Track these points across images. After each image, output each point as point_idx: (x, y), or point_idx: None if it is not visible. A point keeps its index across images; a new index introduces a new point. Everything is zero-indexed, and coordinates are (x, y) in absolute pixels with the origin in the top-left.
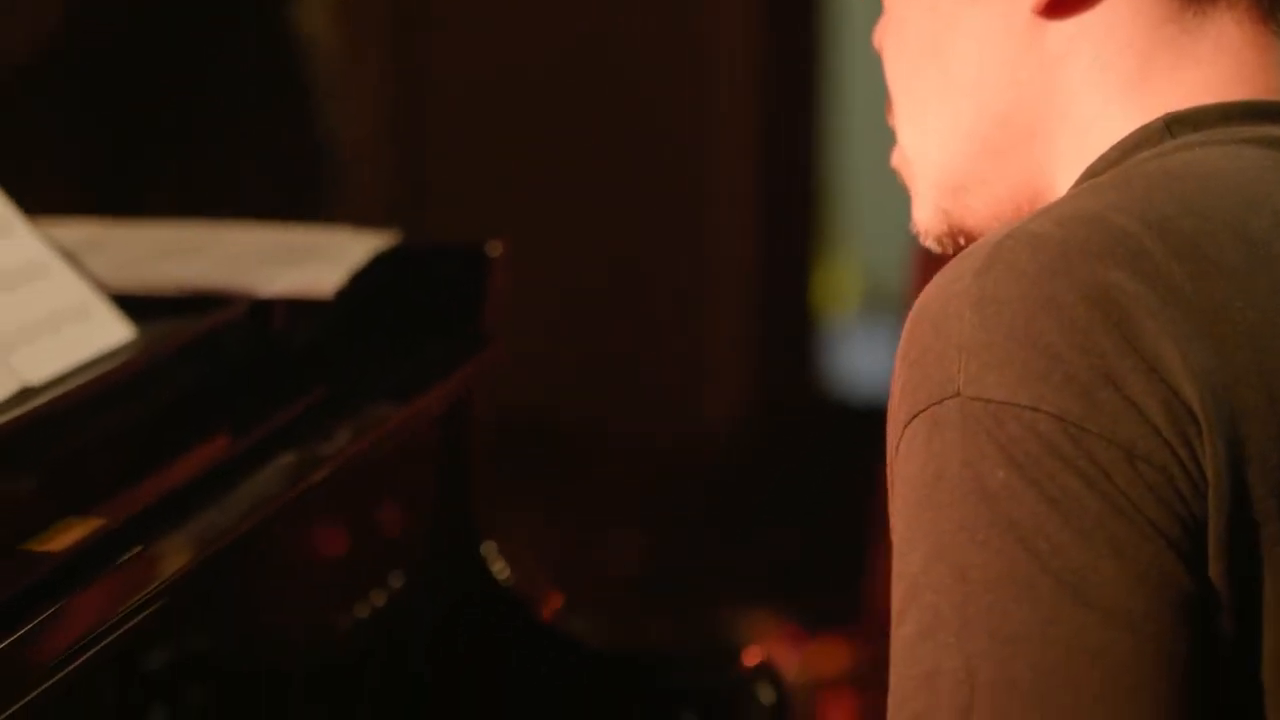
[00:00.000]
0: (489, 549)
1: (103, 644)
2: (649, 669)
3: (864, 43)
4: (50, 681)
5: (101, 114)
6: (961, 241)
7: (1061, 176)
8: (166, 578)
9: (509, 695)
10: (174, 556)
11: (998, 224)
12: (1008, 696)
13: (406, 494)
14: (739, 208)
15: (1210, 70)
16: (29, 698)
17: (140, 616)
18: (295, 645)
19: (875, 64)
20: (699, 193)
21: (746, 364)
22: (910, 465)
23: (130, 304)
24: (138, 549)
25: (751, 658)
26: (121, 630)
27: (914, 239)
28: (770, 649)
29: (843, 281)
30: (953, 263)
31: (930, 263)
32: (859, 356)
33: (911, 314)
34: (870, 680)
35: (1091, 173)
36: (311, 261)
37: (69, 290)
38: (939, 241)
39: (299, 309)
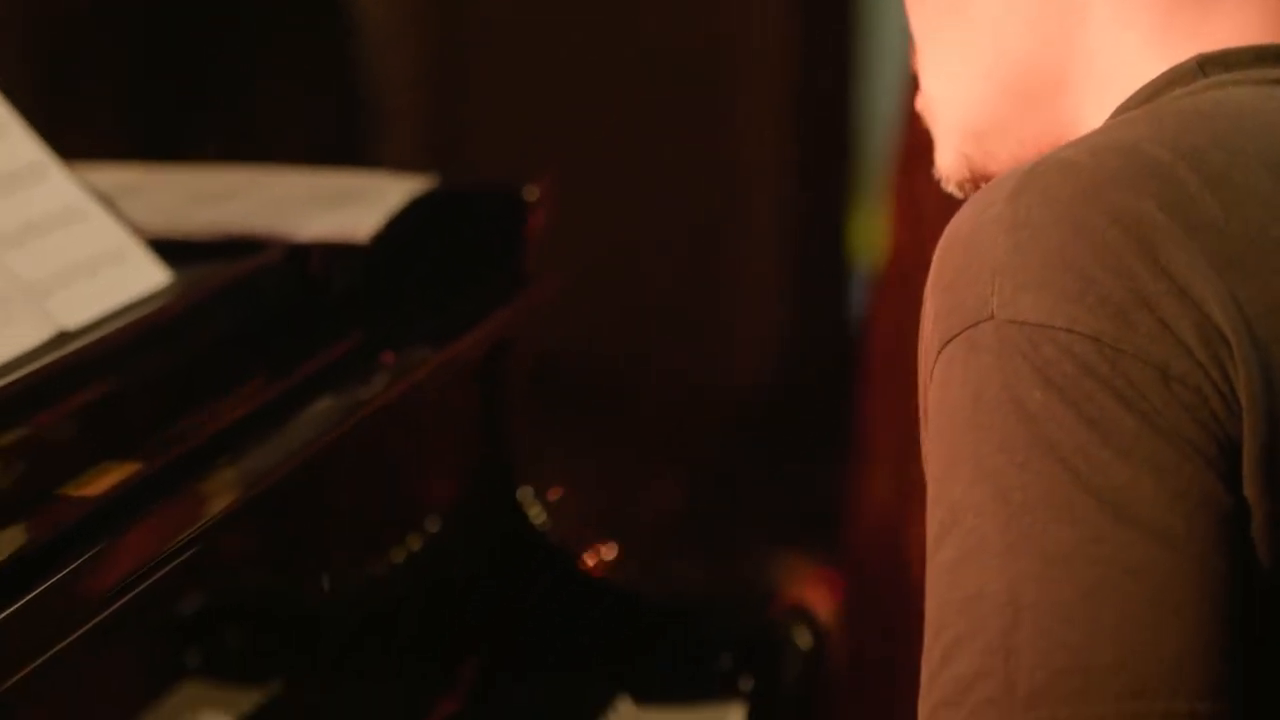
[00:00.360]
0: (525, 494)
1: (139, 589)
2: (684, 613)
3: None
4: (87, 626)
5: (138, 58)
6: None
7: (1086, 124)
8: (202, 522)
9: (544, 640)
10: (210, 501)
11: None
12: (1051, 617)
13: (443, 438)
14: (775, 152)
15: (1238, 17)
16: (66, 642)
17: (176, 561)
18: (331, 590)
19: None
20: (735, 137)
21: (782, 308)
22: (946, 391)
23: (167, 249)
24: (174, 493)
25: (787, 601)
26: (158, 575)
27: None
28: (806, 592)
29: (878, 226)
30: (982, 190)
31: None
32: None
33: (942, 241)
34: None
35: (1123, 109)
36: (348, 205)
37: (106, 235)
38: (960, 187)
39: (336, 253)
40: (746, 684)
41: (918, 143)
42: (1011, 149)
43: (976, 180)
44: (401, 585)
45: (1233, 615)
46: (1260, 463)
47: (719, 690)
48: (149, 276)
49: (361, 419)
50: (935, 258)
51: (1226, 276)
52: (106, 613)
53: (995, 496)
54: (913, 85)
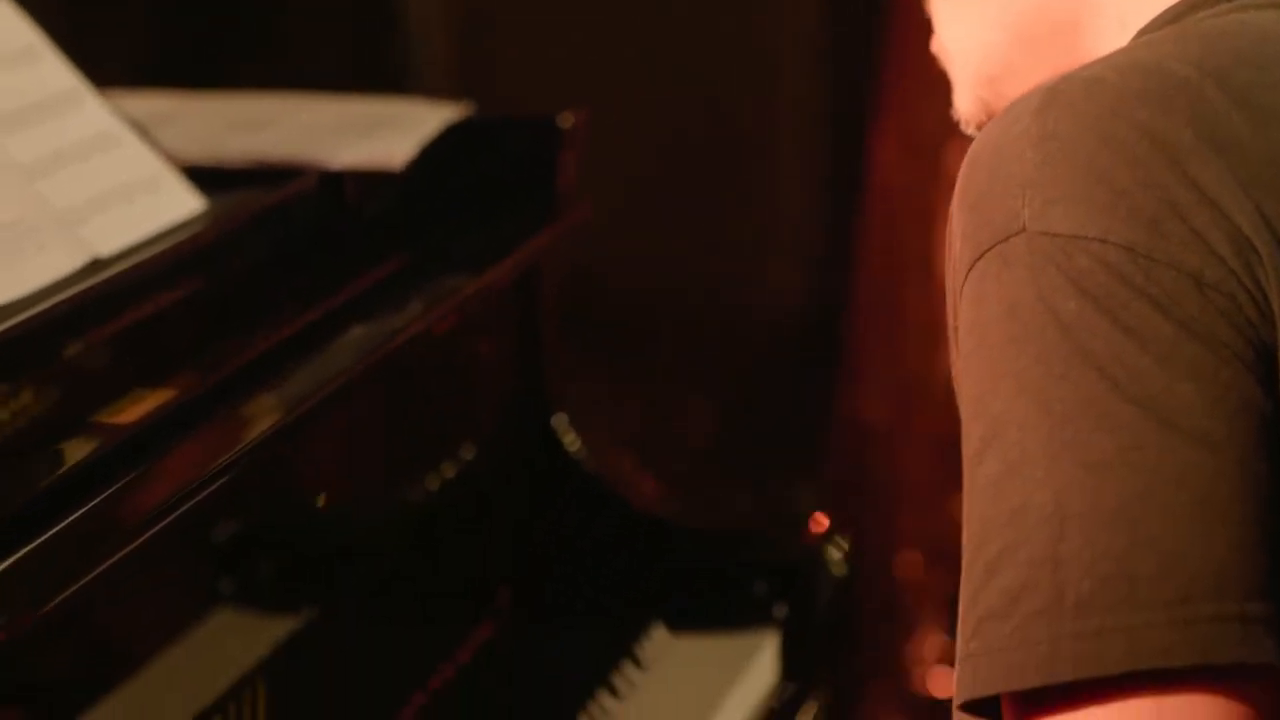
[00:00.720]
0: (560, 421)
1: (173, 516)
2: (719, 541)
3: None
4: (122, 553)
5: None
6: None
7: None
8: (237, 449)
9: (578, 568)
10: (245, 428)
11: None
12: (1097, 525)
13: (478, 365)
14: (809, 77)
15: None
16: (98, 570)
17: (211, 488)
18: (364, 518)
19: None
20: (769, 60)
21: (816, 234)
22: (980, 307)
23: (201, 176)
24: (209, 420)
25: (822, 528)
26: (193, 502)
27: None
28: (839, 519)
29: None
30: (1007, 109)
31: None
32: None
33: (967, 160)
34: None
35: (1145, 32)
36: (382, 133)
37: (140, 162)
38: (980, 129)
39: (370, 181)
40: (780, 611)
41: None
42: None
43: None
44: (436, 513)
45: (1274, 518)
46: None
47: (753, 618)
48: (183, 204)
49: (396, 346)
50: (960, 176)
51: (1253, 193)
52: (141, 539)
53: (1035, 409)
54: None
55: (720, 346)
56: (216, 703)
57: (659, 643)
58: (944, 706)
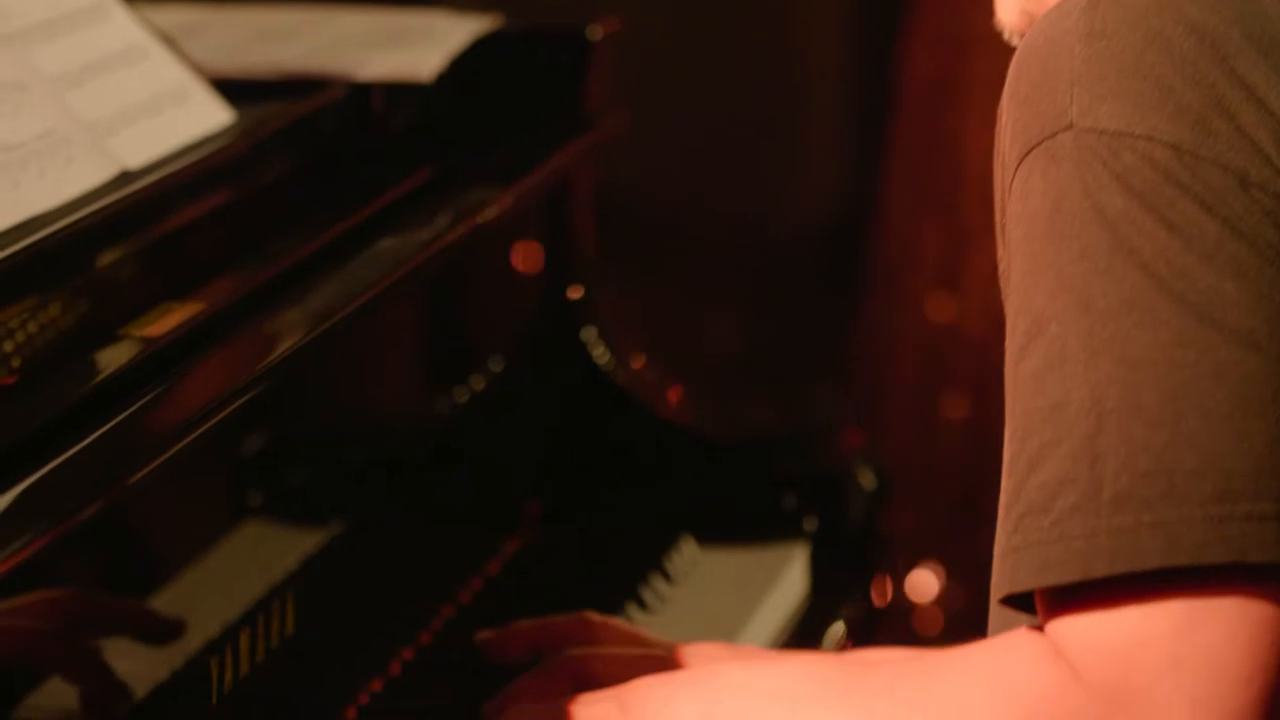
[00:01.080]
0: (589, 333)
1: (202, 428)
2: (749, 452)
3: None
4: (150, 467)
5: None
6: None
7: None
8: (265, 362)
9: (607, 480)
10: (272, 340)
11: None
12: (1135, 421)
13: (507, 278)
14: None
15: None
16: (128, 482)
17: (239, 401)
18: (394, 431)
19: None
20: None
21: (844, 142)
22: (1027, 202)
23: (229, 88)
24: (238, 333)
25: (852, 441)
26: (221, 415)
27: None
28: (870, 431)
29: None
30: (1056, 5)
31: None
32: None
33: (1017, 54)
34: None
35: None
36: (411, 45)
37: (168, 74)
38: (1023, 38)
39: (399, 93)
40: (810, 524)
41: None
42: None
43: None
44: (465, 426)
45: None
46: None
47: (783, 530)
48: (211, 115)
49: (424, 258)
50: (1010, 72)
51: None
52: (171, 452)
53: (1078, 304)
54: None
55: (753, 257)
56: (245, 615)
57: (688, 556)
58: (974, 617)
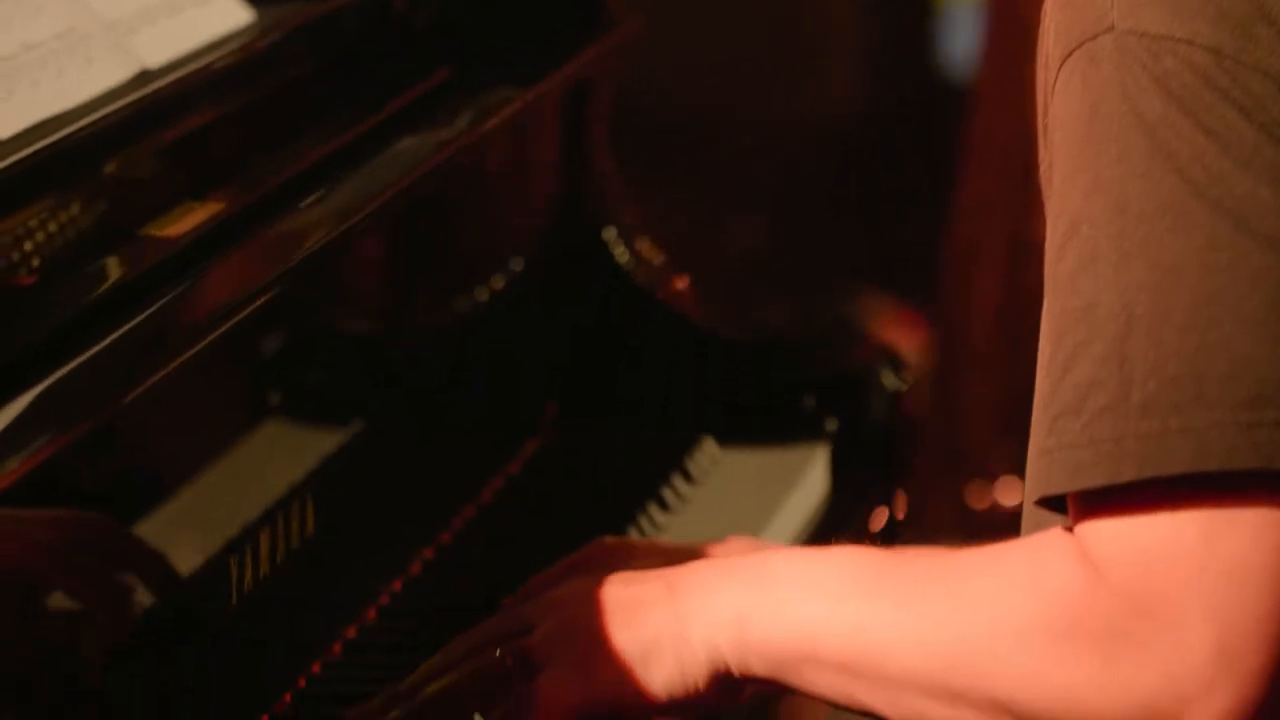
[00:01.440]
0: (610, 233)
1: (222, 329)
2: (770, 352)
3: None
4: (169, 367)
5: None
6: None
7: None
8: (284, 263)
9: (628, 381)
10: (292, 241)
11: None
12: (1165, 325)
13: (528, 178)
14: None
15: None
16: (147, 383)
17: (259, 301)
18: (414, 331)
19: None
20: None
21: (868, 46)
22: (1067, 104)
23: None
24: (258, 233)
25: (874, 342)
26: (240, 315)
27: None
28: (892, 333)
29: None
30: None
31: None
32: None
33: None
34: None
35: None
36: None
37: None
38: None
39: None
40: (831, 425)
41: None
42: None
43: None
44: (485, 326)
45: None
46: None
47: (803, 431)
48: (230, 15)
49: (444, 158)
50: None
51: None
52: (190, 352)
53: (1112, 206)
54: None
55: (773, 159)
56: (264, 515)
57: (708, 456)
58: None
